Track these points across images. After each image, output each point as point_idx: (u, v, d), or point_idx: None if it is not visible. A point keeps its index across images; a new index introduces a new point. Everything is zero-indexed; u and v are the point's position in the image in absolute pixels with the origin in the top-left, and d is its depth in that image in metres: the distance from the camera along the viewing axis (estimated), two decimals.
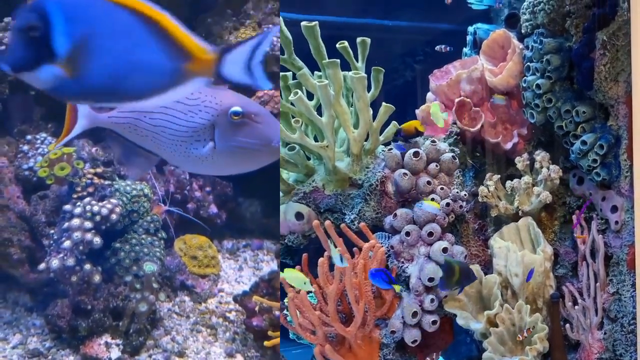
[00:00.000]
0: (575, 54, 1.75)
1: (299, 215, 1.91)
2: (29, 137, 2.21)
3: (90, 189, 2.05)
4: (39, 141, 2.21)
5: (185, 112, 1.25)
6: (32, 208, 2.10)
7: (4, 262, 2.06)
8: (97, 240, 1.93)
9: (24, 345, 1.99)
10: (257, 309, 1.97)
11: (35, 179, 2.13)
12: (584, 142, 1.78)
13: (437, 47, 2.22)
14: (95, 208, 1.95)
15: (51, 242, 1.97)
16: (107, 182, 2.07)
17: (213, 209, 2.47)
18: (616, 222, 1.77)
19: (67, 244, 1.90)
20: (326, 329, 1.71)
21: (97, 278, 1.95)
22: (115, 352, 1.94)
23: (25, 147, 2.19)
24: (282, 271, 1.66)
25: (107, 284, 2.00)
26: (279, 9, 2.40)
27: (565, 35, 1.79)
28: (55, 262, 1.90)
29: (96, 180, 2.07)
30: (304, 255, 1.82)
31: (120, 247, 2.02)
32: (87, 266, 1.93)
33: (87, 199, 1.97)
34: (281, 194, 1.95)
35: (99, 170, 2.12)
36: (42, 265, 1.94)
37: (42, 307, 2.05)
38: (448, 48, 2.16)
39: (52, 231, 2.00)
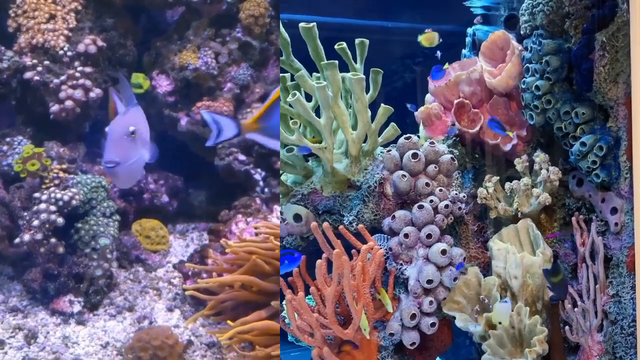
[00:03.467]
0: (575, 55, 1.75)
1: (297, 217, 1.91)
2: (8, 139, 2.69)
3: (57, 182, 2.54)
4: (16, 142, 2.68)
5: None
6: (10, 196, 2.56)
7: None
8: (60, 220, 2.43)
9: (5, 304, 2.50)
10: (190, 273, 2.56)
11: (12, 173, 2.60)
12: (583, 144, 1.77)
13: (437, 54, 2.21)
14: (59, 195, 2.46)
15: (24, 222, 2.46)
16: (70, 176, 2.59)
17: (165, 198, 2.99)
18: (616, 224, 1.76)
19: (35, 222, 2.41)
20: (324, 332, 1.71)
21: (60, 249, 2.45)
22: (77, 307, 2.45)
23: (5, 147, 2.66)
24: (282, 272, 1.67)
25: (71, 255, 2.49)
26: (214, 35, 2.91)
27: (564, 36, 1.79)
28: (26, 237, 2.40)
29: (61, 174, 2.57)
30: (302, 257, 1.81)
31: (81, 227, 2.52)
32: (53, 240, 2.43)
33: (52, 188, 2.50)
34: (279, 195, 1.95)
35: (64, 166, 2.61)
36: (17, 240, 2.44)
37: (21, 275, 2.55)
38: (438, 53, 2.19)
39: (25, 214, 2.48)
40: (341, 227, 1.81)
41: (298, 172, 1.95)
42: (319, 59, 1.92)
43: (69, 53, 2.72)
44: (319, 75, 1.93)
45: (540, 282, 1.79)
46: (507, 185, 1.88)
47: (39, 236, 2.39)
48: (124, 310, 2.49)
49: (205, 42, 2.87)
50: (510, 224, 1.90)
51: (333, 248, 1.68)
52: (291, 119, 1.90)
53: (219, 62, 2.84)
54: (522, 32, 1.88)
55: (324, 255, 1.73)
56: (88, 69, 2.72)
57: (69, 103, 2.66)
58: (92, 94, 2.69)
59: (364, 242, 1.77)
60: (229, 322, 2.14)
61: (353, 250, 1.77)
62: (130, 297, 2.56)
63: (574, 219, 1.84)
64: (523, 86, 1.87)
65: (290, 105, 1.87)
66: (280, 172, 1.99)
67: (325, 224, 1.73)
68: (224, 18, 2.91)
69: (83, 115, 2.73)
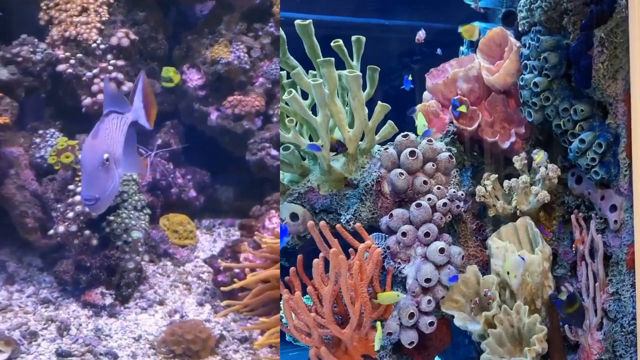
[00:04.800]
0: (573, 52, 1.74)
1: (293, 216, 1.90)
2: (40, 131, 2.69)
3: None
4: (48, 135, 2.68)
5: None
6: (42, 188, 2.57)
7: (22, 229, 2.58)
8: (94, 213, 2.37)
9: (36, 295, 2.52)
10: (221, 268, 2.50)
11: (45, 165, 2.60)
12: (582, 141, 1.76)
13: (438, 51, 2.21)
14: None
15: (58, 214, 2.49)
16: None
17: (192, 193, 2.99)
18: (615, 222, 1.75)
19: (70, 214, 2.44)
20: (322, 331, 1.70)
21: (94, 241, 2.47)
22: (109, 300, 2.46)
23: (38, 140, 2.66)
24: (282, 274, 1.65)
25: (102, 248, 2.49)
26: (246, 29, 2.92)
27: (562, 32, 1.78)
28: (61, 228, 2.43)
29: None
30: (299, 257, 1.80)
31: (113, 220, 2.50)
32: (87, 232, 2.45)
33: None
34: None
35: None
36: (51, 231, 2.46)
37: (51, 267, 2.57)
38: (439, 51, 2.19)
39: (59, 206, 2.50)
40: (338, 225, 1.80)
41: (295, 171, 1.94)
42: (315, 57, 1.91)
43: (102, 46, 2.71)
44: (315, 72, 1.92)
45: (539, 280, 1.78)
46: (506, 183, 1.87)
47: (73, 228, 2.42)
48: (154, 304, 2.49)
49: (238, 36, 2.87)
50: (509, 222, 1.89)
51: (330, 247, 1.67)
52: (287, 117, 1.89)
53: (251, 56, 2.85)
54: (520, 29, 1.87)
55: (321, 255, 1.72)
56: (120, 62, 2.71)
57: (101, 96, 2.63)
58: (124, 87, 2.67)
59: (362, 240, 1.76)
60: (261, 319, 2.10)
61: (350, 249, 1.76)
62: (160, 290, 2.57)
63: (573, 216, 1.83)
64: (521, 83, 1.86)
65: (286, 103, 1.86)
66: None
67: (322, 223, 1.72)
68: (257, 12, 2.92)
69: None
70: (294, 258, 1.81)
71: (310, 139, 1.94)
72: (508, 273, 1.75)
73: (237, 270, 2.41)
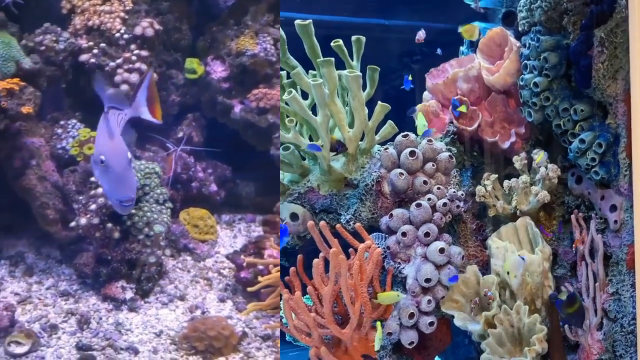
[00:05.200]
0: (573, 52, 1.73)
1: (293, 216, 1.90)
2: (61, 122, 2.64)
3: None
4: (69, 126, 2.64)
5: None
6: (64, 179, 2.56)
7: (42, 221, 2.55)
8: None
9: (55, 287, 2.49)
10: (244, 264, 2.44)
11: (66, 156, 2.59)
12: (582, 141, 1.76)
13: (438, 51, 2.21)
14: None
15: (80, 206, 2.47)
16: None
17: (213, 187, 2.91)
18: (615, 222, 1.75)
19: (93, 207, 2.42)
20: (322, 331, 1.70)
21: (116, 234, 2.43)
22: (129, 294, 2.43)
23: (59, 130, 2.63)
24: (282, 274, 1.65)
25: (124, 241, 2.45)
26: (273, 21, 2.84)
27: (562, 32, 1.78)
28: (83, 221, 2.41)
29: None
30: (299, 257, 1.80)
31: (135, 213, 2.46)
32: (109, 225, 2.42)
33: None
34: None
35: None
36: (73, 223, 2.44)
37: (70, 259, 2.55)
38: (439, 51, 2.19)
39: (80, 197, 2.48)
40: (338, 225, 1.79)
41: (295, 171, 1.94)
42: (315, 57, 1.90)
43: (125, 36, 2.66)
44: (315, 72, 1.91)
45: (539, 280, 1.78)
46: (506, 183, 1.87)
47: (95, 220, 2.39)
48: (175, 299, 2.46)
49: (264, 28, 2.80)
50: (509, 222, 1.89)
51: (330, 247, 1.67)
52: (287, 116, 1.89)
53: (277, 48, 2.78)
54: (520, 29, 1.87)
55: (321, 255, 1.72)
56: (144, 53, 2.66)
57: (124, 87, 2.59)
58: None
59: (362, 240, 1.75)
60: None
61: (350, 249, 1.76)
62: (180, 286, 2.53)
63: (573, 216, 1.83)
64: (521, 83, 1.86)
65: (286, 103, 1.86)
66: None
67: (322, 223, 1.72)
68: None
69: None
70: (294, 258, 1.81)
71: (310, 139, 1.94)
72: (508, 273, 1.75)
73: (260, 267, 2.38)
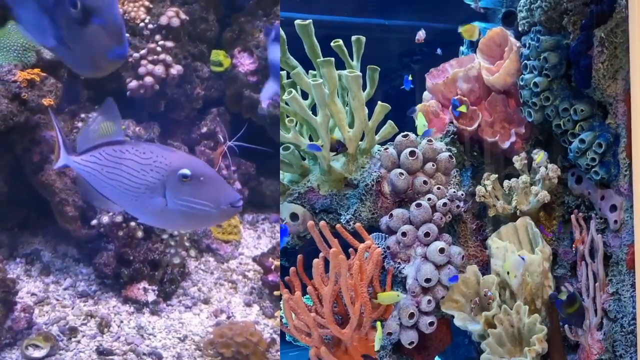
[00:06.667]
0: (573, 52, 1.73)
1: (293, 216, 1.89)
2: (82, 115, 2.52)
3: None
4: (90, 119, 2.50)
5: (138, 169, 1.40)
6: None
7: (61, 218, 2.43)
8: None
9: (74, 287, 2.38)
10: (273, 267, 2.35)
11: None
12: (582, 141, 1.76)
13: (438, 51, 2.21)
14: None
15: None
16: None
17: (237, 185, 2.78)
18: (615, 222, 1.75)
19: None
20: (322, 331, 1.69)
21: (139, 234, 2.34)
22: (152, 296, 2.32)
23: (80, 124, 2.50)
24: (282, 274, 1.64)
25: (146, 241, 2.36)
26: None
27: (562, 32, 1.77)
28: (105, 219, 2.32)
29: None
30: (299, 257, 1.80)
31: None
32: (132, 224, 2.32)
33: None
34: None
35: None
36: (94, 221, 2.34)
37: (88, 258, 2.43)
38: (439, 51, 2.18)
39: None
40: (338, 225, 1.80)
41: (295, 171, 1.94)
42: (315, 57, 1.90)
43: (150, 26, 2.52)
44: (315, 72, 1.91)
45: (539, 280, 1.78)
46: (506, 183, 1.87)
47: (118, 219, 2.30)
48: (199, 302, 2.35)
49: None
50: (509, 222, 1.89)
51: (330, 247, 1.67)
52: (287, 117, 1.89)
53: None
54: (520, 29, 1.87)
55: (321, 255, 1.72)
56: (169, 44, 2.53)
57: (148, 79, 2.47)
58: (172, 71, 2.49)
59: (362, 240, 1.76)
60: None
61: (350, 249, 1.76)
62: (204, 288, 2.42)
63: (573, 216, 1.83)
64: (521, 83, 1.86)
65: (286, 103, 1.86)
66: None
67: (322, 223, 1.72)
68: None
69: (160, 93, 2.54)
70: (294, 258, 1.81)
71: (310, 139, 1.94)
72: (508, 273, 1.75)
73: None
